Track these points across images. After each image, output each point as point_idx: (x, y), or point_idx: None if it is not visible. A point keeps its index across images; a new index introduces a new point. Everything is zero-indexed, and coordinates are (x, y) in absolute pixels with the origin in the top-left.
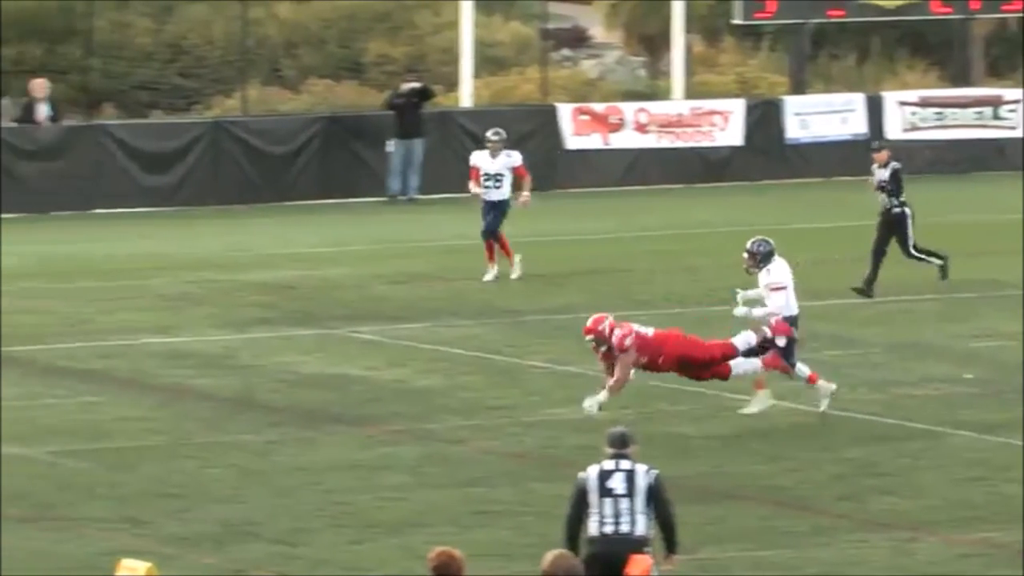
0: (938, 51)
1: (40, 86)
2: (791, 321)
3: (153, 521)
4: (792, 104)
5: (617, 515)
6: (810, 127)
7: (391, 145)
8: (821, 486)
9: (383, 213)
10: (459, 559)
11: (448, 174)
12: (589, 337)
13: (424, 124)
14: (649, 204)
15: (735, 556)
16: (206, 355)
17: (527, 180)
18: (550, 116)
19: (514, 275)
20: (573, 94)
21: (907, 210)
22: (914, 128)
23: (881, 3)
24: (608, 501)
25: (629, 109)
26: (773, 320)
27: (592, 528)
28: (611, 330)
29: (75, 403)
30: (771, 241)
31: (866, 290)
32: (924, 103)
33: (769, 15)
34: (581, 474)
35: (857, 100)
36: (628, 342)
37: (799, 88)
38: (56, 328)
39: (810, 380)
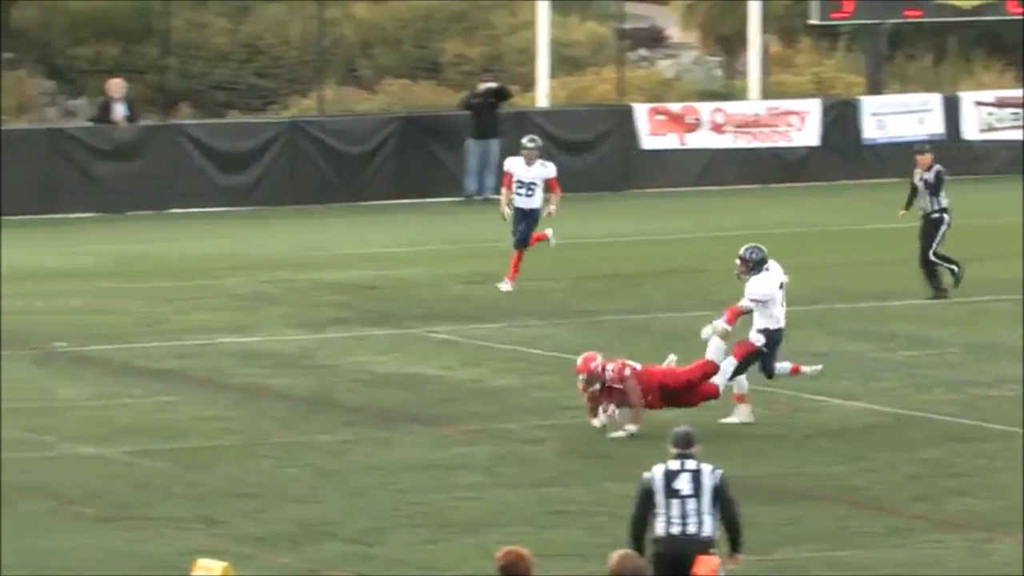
0: (1015, 51)
1: (117, 86)
2: (776, 334)
3: (229, 521)
4: (869, 104)
5: (684, 516)
6: (886, 127)
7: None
8: (897, 487)
9: (459, 213)
10: (527, 558)
11: None
12: (581, 376)
13: (500, 124)
14: (725, 204)
15: (811, 557)
16: (282, 355)
17: (557, 195)
18: (626, 116)
19: (552, 243)
20: (649, 94)
21: (946, 216)
22: (991, 128)
23: (958, 3)
24: (675, 502)
25: (705, 109)
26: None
27: (659, 528)
28: (603, 368)
29: (151, 403)
30: (763, 248)
31: (943, 291)
32: (1001, 103)
33: (846, 15)
34: (646, 474)
35: (934, 100)
36: (628, 371)
37: (876, 88)
38: (132, 328)
39: (792, 372)
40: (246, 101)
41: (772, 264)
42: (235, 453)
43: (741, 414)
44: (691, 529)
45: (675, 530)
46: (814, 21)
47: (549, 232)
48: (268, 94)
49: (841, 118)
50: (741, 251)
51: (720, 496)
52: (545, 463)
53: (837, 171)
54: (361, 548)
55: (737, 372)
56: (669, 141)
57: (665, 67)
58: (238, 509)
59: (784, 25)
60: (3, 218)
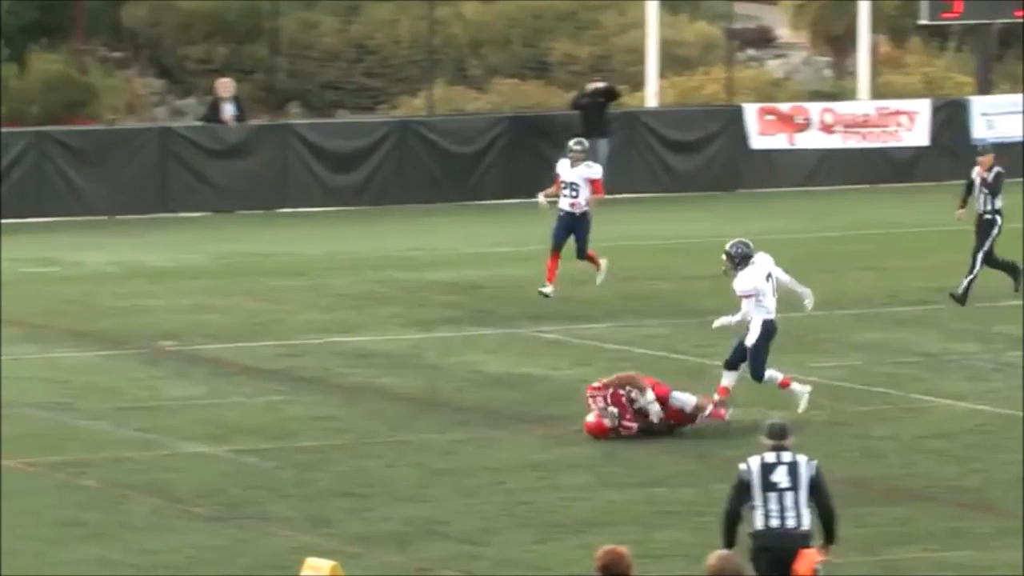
0: None
1: (226, 85)
2: (772, 325)
3: (338, 520)
4: (978, 104)
5: (782, 509)
6: (996, 127)
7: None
8: (1007, 487)
9: None
10: (626, 557)
11: (633, 174)
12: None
13: (609, 124)
14: (834, 205)
15: (920, 557)
16: (391, 354)
17: (598, 196)
18: (735, 116)
19: (599, 280)
20: (758, 94)
21: (998, 219)
22: None
23: None
24: (773, 495)
25: (815, 109)
26: (709, 407)
27: (758, 522)
28: (618, 398)
29: (261, 402)
30: (750, 244)
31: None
32: None
33: (956, 15)
34: (742, 466)
35: None
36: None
37: (985, 88)
38: (242, 327)
39: (782, 385)
40: (355, 101)
41: (759, 257)
42: (344, 452)
43: (799, 393)
44: (790, 523)
45: (774, 523)
46: (924, 21)
47: (603, 263)
48: (377, 94)
49: (951, 118)
50: (727, 246)
51: (816, 487)
52: (652, 463)
53: (946, 171)
54: (469, 548)
55: (733, 365)
56: (778, 141)
57: (774, 67)
58: (347, 508)
59: (894, 25)
60: (114, 217)
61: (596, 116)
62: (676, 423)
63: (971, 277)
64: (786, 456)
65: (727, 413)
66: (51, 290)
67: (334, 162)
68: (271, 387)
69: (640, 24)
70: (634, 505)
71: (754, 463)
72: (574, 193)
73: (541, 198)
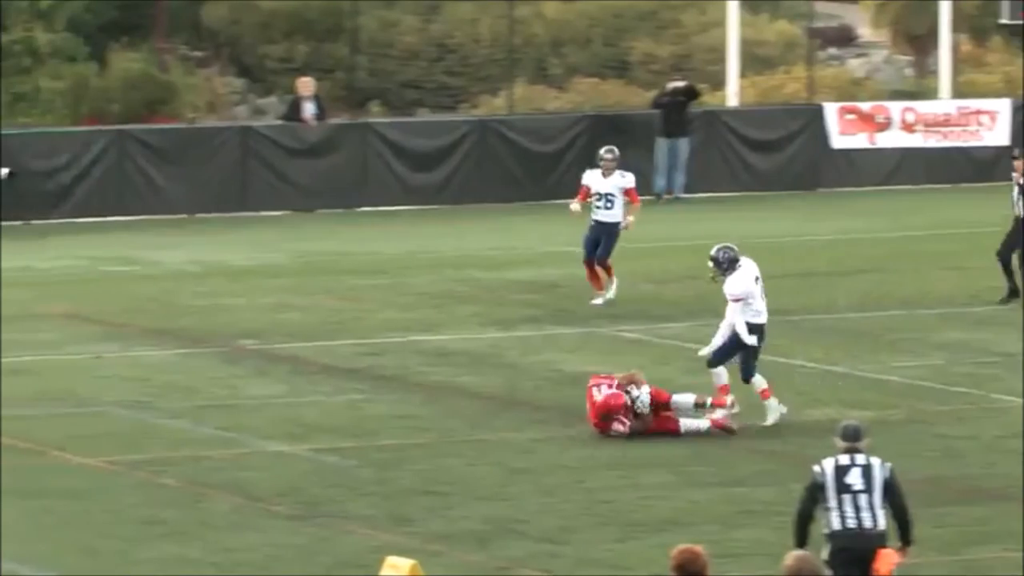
0: None
1: (306, 84)
2: (758, 328)
3: (418, 519)
4: None
5: (857, 510)
6: None
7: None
8: None
9: (648, 211)
10: (702, 556)
11: (714, 173)
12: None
13: (690, 123)
14: (915, 204)
15: (1000, 557)
16: (471, 353)
17: (636, 206)
18: (816, 115)
19: (610, 294)
20: (839, 93)
21: None
22: None
23: None
24: (847, 497)
25: (895, 108)
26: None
27: (834, 523)
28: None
29: (341, 401)
30: (735, 248)
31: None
32: None
33: None
34: (815, 468)
35: None
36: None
37: None
38: (322, 326)
39: (763, 395)
40: (435, 99)
41: (744, 261)
42: (424, 451)
43: (773, 411)
44: (866, 524)
45: (850, 525)
46: (1005, 20)
47: (614, 283)
48: (458, 92)
49: None
50: (713, 251)
51: (891, 489)
52: (733, 462)
53: None
54: (549, 547)
55: (720, 360)
56: (859, 140)
57: (855, 66)
58: (427, 507)
59: (975, 24)
60: (194, 216)
61: (677, 115)
62: (664, 431)
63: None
64: (860, 458)
65: (732, 423)
66: (131, 288)
67: (414, 161)
68: (351, 386)
69: (721, 23)
70: (714, 504)
71: (828, 465)
72: (609, 204)
73: (572, 205)
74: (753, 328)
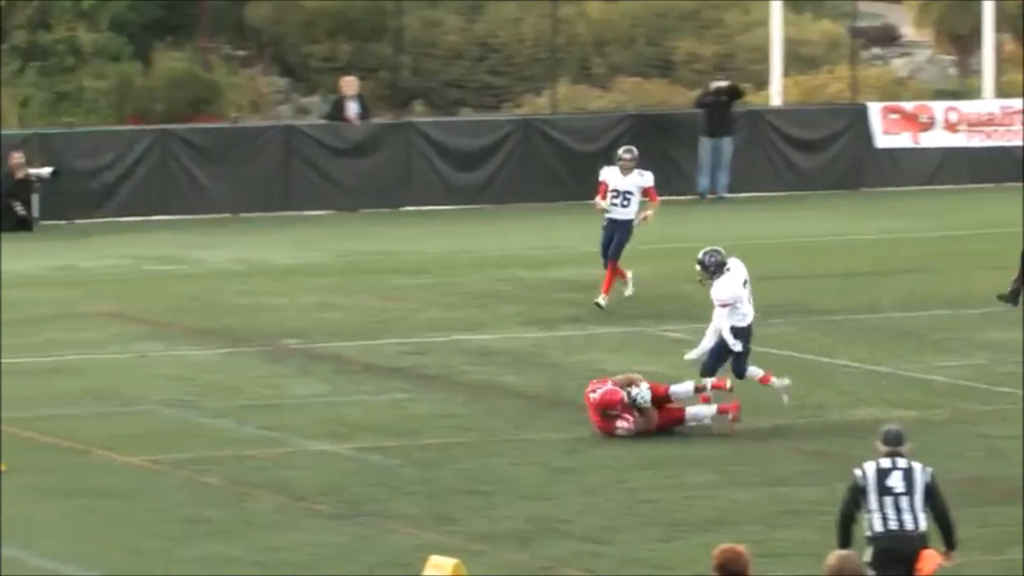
0: None
1: (350, 84)
2: (743, 332)
3: (461, 518)
4: None
5: (899, 512)
6: None
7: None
8: None
9: (692, 211)
10: (744, 556)
11: (757, 172)
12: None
13: (734, 123)
14: (959, 204)
15: None
16: (515, 352)
17: (656, 204)
18: (860, 115)
19: (627, 292)
20: (883, 93)
21: None
22: None
23: None
24: (888, 499)
25: (939, 108)
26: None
27: (877, 525)
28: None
29: (384, 400)
30: (722, 251)
31: (1009, 298)
32: None
33: None
34: (857, 471)
35: None
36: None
37: None
38: (365, 325)
39: (762, 381)
40: (479, 99)
41: (732, 263)
42: (467, 450)
43: (782, 387)
44: (908, 525)
45: (892, 527)
46: None
47: (629, 275)
48: (501, 92)
49: None
50: (700, 255)
51: (932, 494)
52: (777, 462)
53: None
54: (593, 546)
55: (713, 370)
56: (902, 140)
57: (899, 66)
58: (470, 506)
59: (1018, 24)
60: (238, 215)
61: (720, 115)
62: (672, 422)
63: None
64: (901, 462)
65: (738, 414)
66: (175, 288)
67: (457, 160)
68: (394, 385)
69: (764, 23)
70: (758, 504)
71: (869, 468)
72: (626, 202)
73: (599, 202)
74: (738, 332)
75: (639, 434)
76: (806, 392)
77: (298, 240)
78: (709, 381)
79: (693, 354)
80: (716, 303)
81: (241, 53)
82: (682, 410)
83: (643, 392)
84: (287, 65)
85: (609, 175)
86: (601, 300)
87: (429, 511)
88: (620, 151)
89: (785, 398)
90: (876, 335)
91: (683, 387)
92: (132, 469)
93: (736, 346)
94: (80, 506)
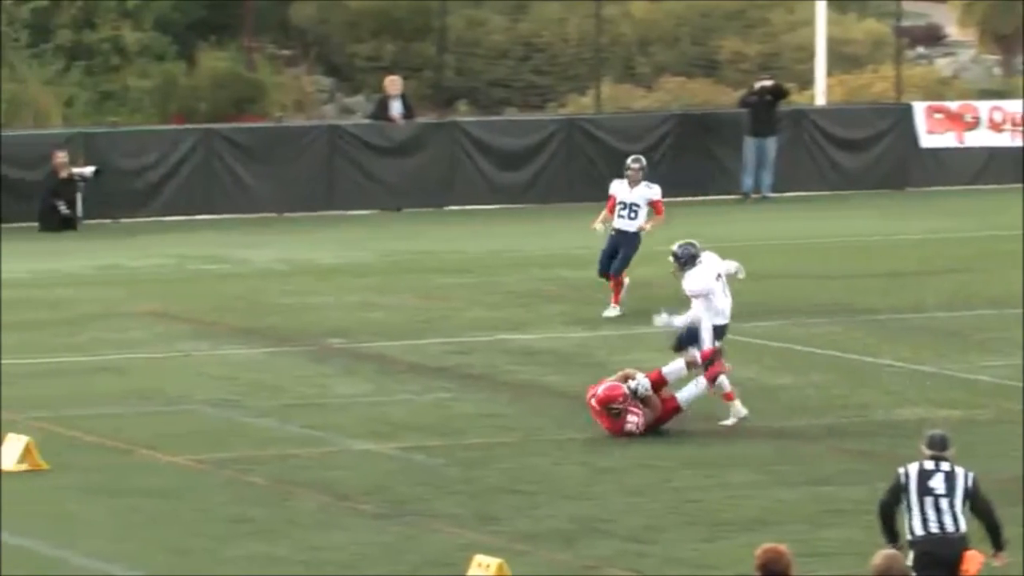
0: None
1: (394, 83)
2: (722, 330)
3: (504, 517)
4: None
5: (939, 513)
6: None
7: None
8: None
9: (735, 211)
10: (786, 555)
11: (801, 172)
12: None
13: (778, 122)
14: (1004, 203)
15: None
16: (558, 352)
17: (661, 218)
18: (905, 114)
19: (610, 313)
20: (927, 92)
21: None
22: None
23: None
24: (928, 500)
25: (983, 107)
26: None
27: (917, 528)
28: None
29: (428, 399)
30: (696, 244)
31: None
32: None
33: None
34: (900, 469)
35: None
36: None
37: None
38: (409, 324)
39: (726, 398)
40: (523, 98)
41: (706, 256)
42: (511, 450)
43: (736, 411)
44: (949, 527)
45: (933, 529)
46: None
47: (622, 295)
48: (545, 91)
49: None
50: (674, 248)
51: (974, 497)
52: (821, 461)
53: None
54: (636, 546)
55: (684, 347)
56: (947, 140)
57: (943, 65)
58: (513, 506)
59: None
60: (282, 214)
61: (764, 114)
62: (670, 413)
63: None
64: (944, 465)
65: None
66: (219, 287)
67: (501, 160)
68: (438, 384)
69: (809, 22)
70: (802, 503)
71: (912, 468)
72: (633, 214)
73: (598, 225)
74: (717, 331)
75: (648, 428)
76: (850, 392)
77: (342, 240)
78: (696, 352)
79: (660, 320)
80: (687, 294)
81: (285, 53)
82: (674, 398)
83: (642, 381)
84: (331, 64)
85: (617, 188)
86: (611, 311)
87: (473, 511)
88: (628, 161)
89: (730, 421)
90: (921, 335)
91: (674, 366)
92: (176, 468)
93: (712, 344)
94: (124, 506)
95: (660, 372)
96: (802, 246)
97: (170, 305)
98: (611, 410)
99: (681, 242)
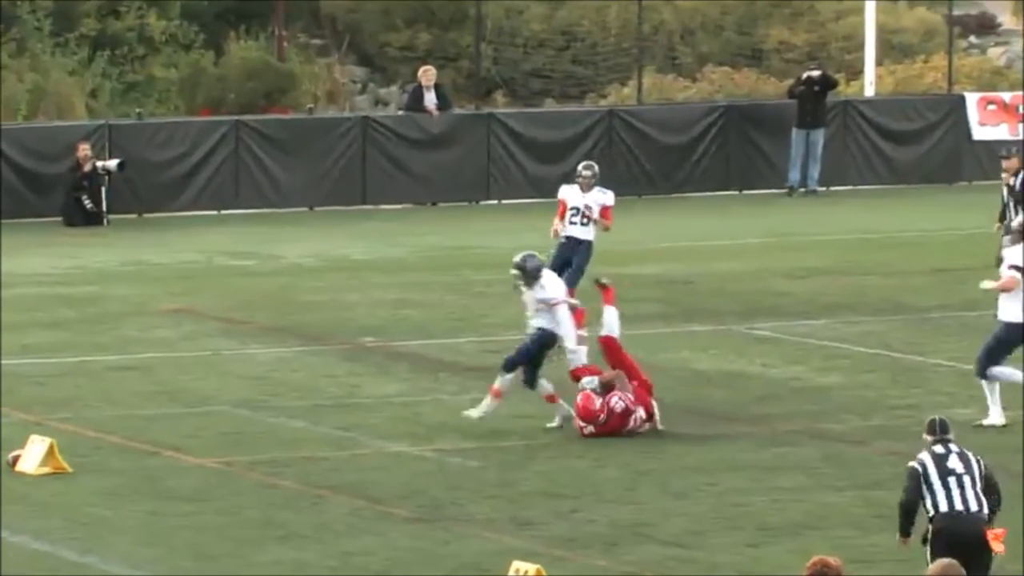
0: None
1: (428, 73)
2: (547, 335)
3: (542, 522)
4: None
5: (963, 490)
6: None
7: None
8: None
9: (782, 205)
10: (836, 567)
11: (849, 165)
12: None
13: (826, 113)
14: None
15: None
16: (595, 350)
17: (608, 225)
18: (957, 106)
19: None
20: (979, 83)
21: None
22: None
23: None
24: (952, 479)
25: None
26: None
27: (942, 505)
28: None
29: (464, 400)
30: (537, 255)
31: None
32: None
33: None
34: (913, 463)
35: None
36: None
37: None
38: (445, 322)
39: (549, 399)
40: (562, 89)
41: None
42: (549, 452)
43: (487, 405)
44: (973, 507)
45: (958, 507)
46: None
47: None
48: (585, 82)
49: None
50: (517, 260)
51: (987, 478)
52: (869, 464)
53: None
54: (679, 551)
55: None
56: (1000, 132)
57: (996, 55)
58: (552, 510)
59: None
60: (313, 208)
61: (812, 105)
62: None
63: None
64: (954, 447)
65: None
66: (248, 284)
67: (539, 152)
68: (474, 384)
69: (858, 11)
70: (850, 507)
71: (926, 457)
72: (585, 220)
73: (556, 224)
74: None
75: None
76: (899, 392)
77: (375, 234)
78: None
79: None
80: (550, 303)
81: (317, 42)
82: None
83: (592, 381)
84: (364, 54)
85: (567, 193)
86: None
87: (510, 515)
88: (580, 167)
89: (555, 423)
90: (973, 334)
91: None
92: (203, 471)
93: (575, 348)
94: (149, 509)
95: (577, 368)
96: (850, 242)
97: (198, 302)
98: (589, 415)
99: (524, 254)
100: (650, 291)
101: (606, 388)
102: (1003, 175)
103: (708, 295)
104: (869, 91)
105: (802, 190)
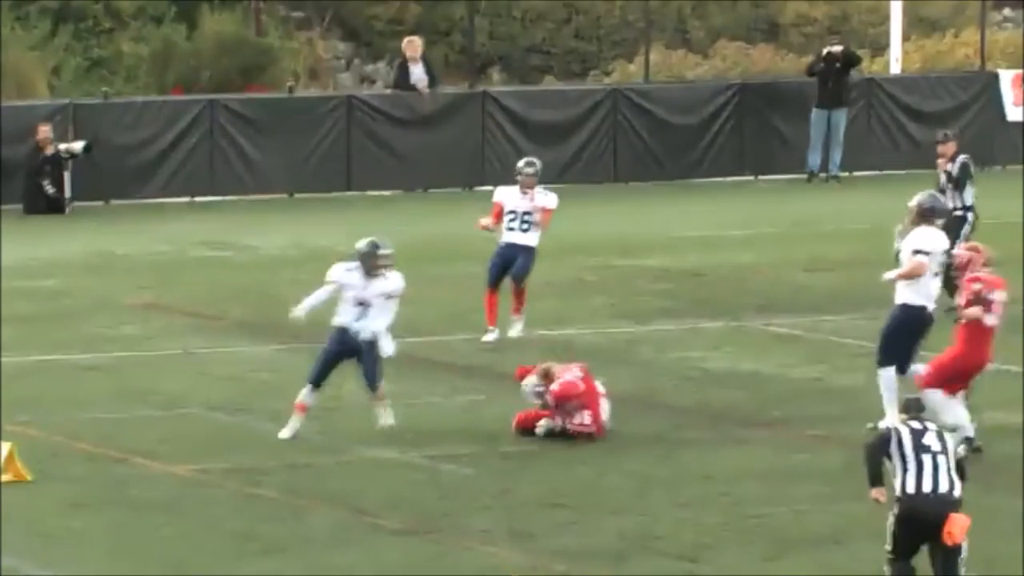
0: None
1: (412, 44)
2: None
3: (542, 534)
4: None
5: (936, 471)
6: None
7: None
8: None
9: (801, 191)
10: None
11: (873, 148)
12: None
13: (848, 92)
14: None
15: None
16: (602, 348)
17: (545, 228)
18: (989, 84)
19: (513, 333)
20: (1014, 59)
21: (969, 216)
22: None
23: None
24: (926, 457)
25: None
26: None
27: (910, 485)
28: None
29: (457, 402)
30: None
31: None
32: None
33: None
34: (886, 428)
35: None
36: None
37: None
38: (436, 319)
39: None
40: (564, 66)
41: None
42: (550, 459)
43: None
44: (943, 488)
45: (926, 488)
46: None
47: (520, 324)
48: (588, 58)
49: None
50: (385, 251)
51: (960, 465)
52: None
53: None
54: (689, 565)
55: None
56: None
57: None
58: (552, 521)
59: None
60: (293, 195)
61: (834, 84)
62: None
63: None
64: (931, 425)
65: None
66: (223, 276)
67: (539, 134)
68: (468, 385)
69: None
70: (874, 518)
71: (902, 428)
72: (525, 226)
73: (485, 221)
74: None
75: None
76: None
77: (360, 223)
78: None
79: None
80: (393, 295)
81: (297, 15)
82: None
83: (531, 380)
84: (349, 28)
85: (504, 195)
86: (490, 336)
87: (507, 526)
88: (521, 164)
89: (385, 421)
90: (1007, 330)
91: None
92: (175, 479)
93: (391, 350)
94: (117, 520)
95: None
96: (875, 230)
97: (169, 297)
98: (564, 403)
99: (375, 240)
100: (658, 284)
101: (547, 377)
102: (939, 160)
103: (721, 289)
104: (895, 68)
105: (823, 175)
